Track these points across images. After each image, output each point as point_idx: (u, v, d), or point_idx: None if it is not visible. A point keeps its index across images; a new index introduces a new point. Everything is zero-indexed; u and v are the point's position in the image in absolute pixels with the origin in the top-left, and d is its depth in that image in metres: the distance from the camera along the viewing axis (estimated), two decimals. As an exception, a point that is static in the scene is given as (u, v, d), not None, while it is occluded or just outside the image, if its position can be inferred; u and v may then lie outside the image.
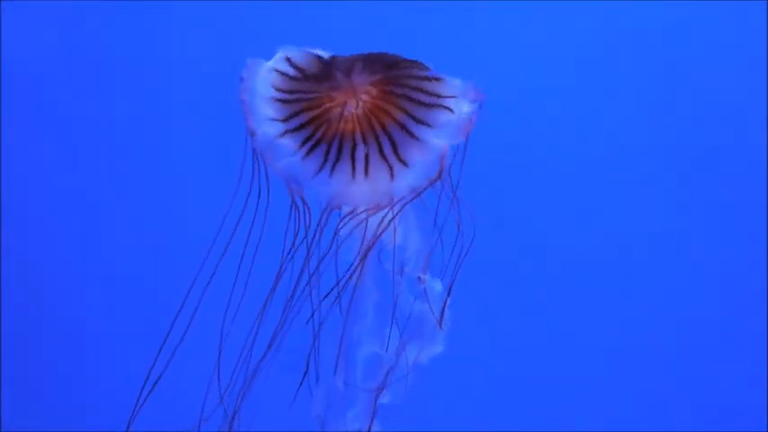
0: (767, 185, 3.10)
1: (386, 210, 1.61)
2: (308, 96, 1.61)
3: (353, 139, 1.58)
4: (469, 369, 3.04)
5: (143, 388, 1.72)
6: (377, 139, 1.58)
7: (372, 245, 1.64)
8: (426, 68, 1.63)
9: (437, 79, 1.62)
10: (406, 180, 1.58)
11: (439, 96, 1.62)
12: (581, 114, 3.11)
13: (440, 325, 1.71)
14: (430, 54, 1.68)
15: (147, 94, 3.11)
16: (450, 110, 1.60)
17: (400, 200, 1.60)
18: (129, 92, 3.12)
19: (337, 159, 1.58)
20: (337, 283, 1.66)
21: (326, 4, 3.04)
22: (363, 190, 1.58)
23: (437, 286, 1.71)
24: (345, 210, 1.61)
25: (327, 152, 1.58)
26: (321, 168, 1.58)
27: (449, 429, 3.09)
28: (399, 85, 1.61)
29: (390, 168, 1.58)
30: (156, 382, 1.72)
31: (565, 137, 3.11)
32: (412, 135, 1.59)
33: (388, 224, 1.63)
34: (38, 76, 3.11)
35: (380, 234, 1.63)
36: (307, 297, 1.67)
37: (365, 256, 1.64)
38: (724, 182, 3.12)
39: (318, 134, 1.58)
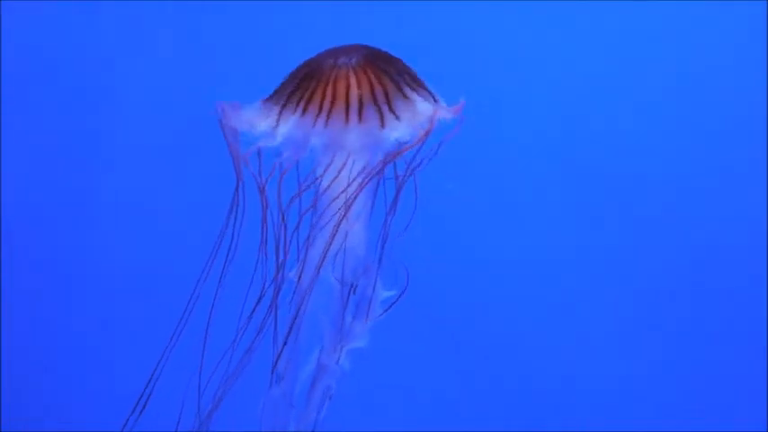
0: (767, 186, 3.10)
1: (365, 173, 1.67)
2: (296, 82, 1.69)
3: (347, 84, 1.64)
4: (411, 365, 3.07)
5: (151, 388, 1.72)
6: (371, 86, 1.65)
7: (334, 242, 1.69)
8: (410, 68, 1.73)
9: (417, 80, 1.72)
10: (396, 131, 1.64)
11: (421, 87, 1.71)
12: (576, 113, 3.12)
13: (370, 317, 1.76)
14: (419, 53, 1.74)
15: (147, 95, 3.12)
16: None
17: (383, 158, 1.66)
18: (128, 92, 3.12)
19: (332, 105, 1.64)
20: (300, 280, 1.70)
21: (321, 4, 3.05)
22: (356, 137, 1.63)
23: (380, 288, 1.76)
24: (337, 161, 1.67)
25: (322, 102, 1.64)
26: (317, 118, 1.64)
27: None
28: (386, 65, 1.69)
29: (382, 117, 1.64)
30: (153, 383, 1.73)
31: (560, 135, 3.12)
32: (404, 95, 1.67)
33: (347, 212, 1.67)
34: (38, 75, 3.12)
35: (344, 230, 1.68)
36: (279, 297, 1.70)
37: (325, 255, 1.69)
38: (723, 181, 3.13)
39: (311, 89, 1.65)
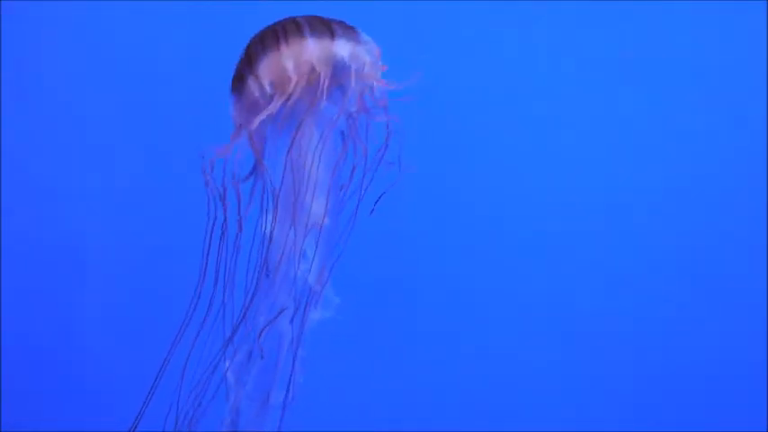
0: (767, 186, 3.10)
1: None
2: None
3: (296, 23, 1.77)
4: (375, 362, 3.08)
5: (152, 392, 1.73)
6: (319, 20, 1.78)
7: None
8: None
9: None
10: (345, 48, 1.75)
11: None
12: (576, 112, 3.11)
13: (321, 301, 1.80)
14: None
15: (147, 95, 3.12)
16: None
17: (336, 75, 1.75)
18: (128, 92, 3.12)
19: (287, 35, 1.75)
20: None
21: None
22: (312, 47, 1.74)
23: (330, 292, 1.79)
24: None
25: (278, 39, 1.76)
26: (279, 45, 1.75)
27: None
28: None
29: (332, 32, 1.75)
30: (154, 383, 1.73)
31: (559, 136, 3.12)
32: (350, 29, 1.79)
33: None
34: (38, 76, 3.12)
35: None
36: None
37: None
38: (723, 181, 3.12)
39: (263, 45, 1.77)
